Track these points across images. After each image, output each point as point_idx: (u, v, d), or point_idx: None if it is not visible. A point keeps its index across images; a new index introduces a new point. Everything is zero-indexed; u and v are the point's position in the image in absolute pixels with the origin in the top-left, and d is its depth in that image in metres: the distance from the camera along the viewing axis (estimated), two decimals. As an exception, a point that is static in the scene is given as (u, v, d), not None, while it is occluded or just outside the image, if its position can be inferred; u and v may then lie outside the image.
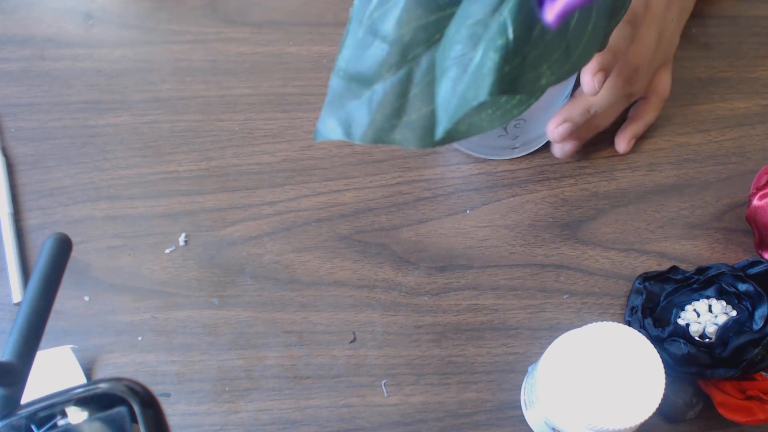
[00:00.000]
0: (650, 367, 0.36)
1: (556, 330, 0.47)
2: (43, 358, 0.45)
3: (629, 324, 0.46)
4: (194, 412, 0.46)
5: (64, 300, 0.48)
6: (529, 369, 0.44)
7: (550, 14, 0.24)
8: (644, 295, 0.46)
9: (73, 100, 0.53)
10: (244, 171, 0.51)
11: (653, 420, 0.36)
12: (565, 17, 0.25)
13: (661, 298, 0.47)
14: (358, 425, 0.45)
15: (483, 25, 0.28)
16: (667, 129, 0.52)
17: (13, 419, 0.28)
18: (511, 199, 0.50)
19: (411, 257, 0.49)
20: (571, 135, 0.48)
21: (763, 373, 0.43)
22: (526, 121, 0.46)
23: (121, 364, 0.47)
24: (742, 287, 0.45)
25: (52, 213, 0.50)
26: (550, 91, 0.44)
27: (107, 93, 0.54)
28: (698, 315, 0.45)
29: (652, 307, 0.47)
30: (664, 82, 0.50)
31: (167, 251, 0.49)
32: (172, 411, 0.46)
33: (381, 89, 0.31)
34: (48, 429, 0.28)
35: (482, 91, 0.27)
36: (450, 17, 0.30)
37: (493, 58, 0.27)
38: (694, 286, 0.46)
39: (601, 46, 0.35)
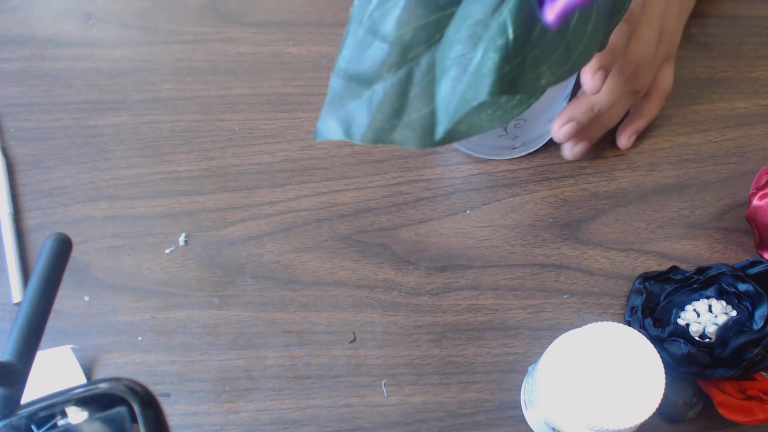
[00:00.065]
0: (650, 367, 0.36)
1: (556, 330, 0.47)
2: (43, 358, 0.45)
3: (629, 324, 0.46)
4: (194, 412, 0.46)
5: (64, 300, 0.48)
6: (529, 369, 0.44)
7: (550, 14, 0.24)
8: (644, 295, 0.46)
9: (73, 100, 0.53)
10: (244, 171, 0.51)
11: (653, 420, 0.36)
12: (565, 17, 0.25)
13: (661, 298, 0.47)
14: (358, 425, 0.45)
15: (483, 25, 0.28)
16: (667, 129, 0.52)
17: (13, 419, 0.28)
18: (511, 199, 0.50)
19: (411, 257, 0.49)
20: (578, 135, 0.47)
21: (763, 373, 0.43)
22: (526, 121, 0.46)
23: (121, 364, 0.47)
24: (742, 287, 0.45)
25: (52, 213, 0.50)
26: (550, 91, 0.44)
27: (107, 93, 0.54)
28: (698, 315, 0.45)
29: (652, 307, 0.47)
30: (667, 77, 0.50)
31: (167, 251, 0.49)
32: (172, 411, 0.46)
33: (381, 89, 0.31)
34: (48, 429, 0.28)
35: (482, 91, 0.27)
36: (450, 17, 0.30)
37: (493, 58, 0.27)
38: (694, 286, 0.46)
39: (601, 47, 0.35)
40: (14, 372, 0.28)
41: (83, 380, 0.46)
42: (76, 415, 0.28)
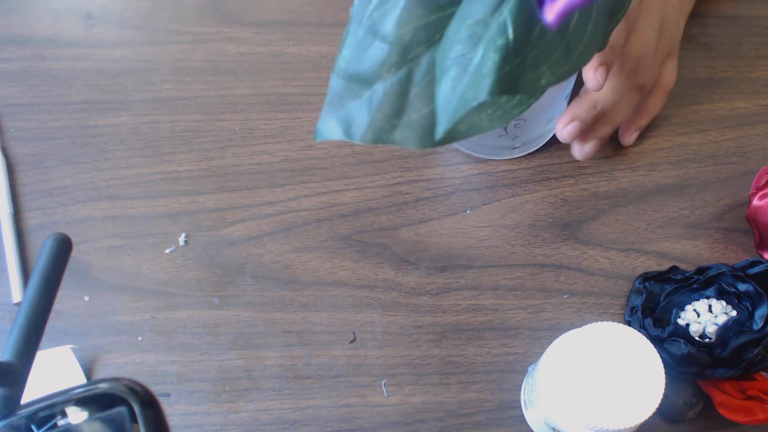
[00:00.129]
0: (650, 367, 0.36)
1: (556, 330, 0.47)
2: (43, 358, 0.45)
3: (629, 324, 0.46)
4: (194, 412, 0.46)
5: (64, 300, 0.48)
6: (529, 369, 0.44)
7: (550, 14, 0.24)
8: (644, 295, 0.46)
9: (73, 100, 0.53)
10: (244, 171, 0.51)
11: (653, 420, 0.36)
12: (565, 17, 0.25)
13: (661, 298, 0.47)
14: (358, 425, 0.45)
15: (483, 25, 0.28)
16: (667, 129, 0.52)
17: (13, 419, 0.28)
18: (511, 199, 0.50)
19: (411, 257, 0.49)
20: (584, 135, 0.47)
21: (763, 373, 0.43)
22: (526, 121, 0.46)
23: (121, 364, 0.47)
24: (742, 287, 0.45)
25: (52, 213, 0.50)
26: (550, 91, 0.44)
27: (107, 93, 0.54)
28: (698, 315, 0.45)
29: (652, 307, 0.47)
30: (669, 73, 0.50)
31: (167, 251, 0.49)
32: (172, 411, 0.46)
33: (381, 89, 0.31)
34: (48, 429, 0.28)
35: (482, 91, 0.27)
36: (450, 17, 0.30)
37: (493, 58, 0.27)
38: (694, 286, 0.46)
39: (601, 46, 0.35)
40: (14, 372, 0.28)
41: (83, 380, 0.46)
42: (76, 415, 0.28)
